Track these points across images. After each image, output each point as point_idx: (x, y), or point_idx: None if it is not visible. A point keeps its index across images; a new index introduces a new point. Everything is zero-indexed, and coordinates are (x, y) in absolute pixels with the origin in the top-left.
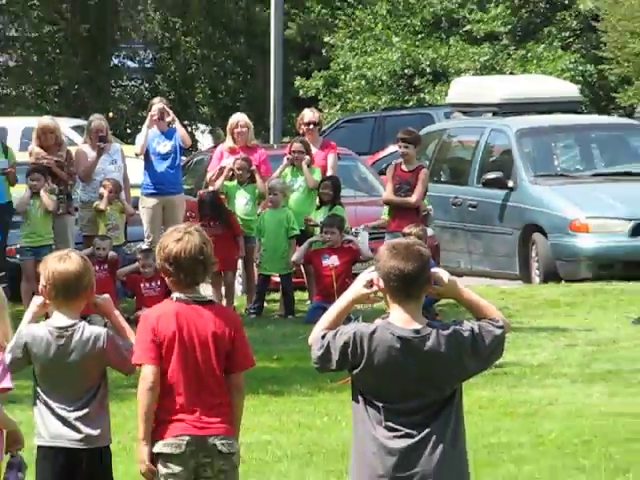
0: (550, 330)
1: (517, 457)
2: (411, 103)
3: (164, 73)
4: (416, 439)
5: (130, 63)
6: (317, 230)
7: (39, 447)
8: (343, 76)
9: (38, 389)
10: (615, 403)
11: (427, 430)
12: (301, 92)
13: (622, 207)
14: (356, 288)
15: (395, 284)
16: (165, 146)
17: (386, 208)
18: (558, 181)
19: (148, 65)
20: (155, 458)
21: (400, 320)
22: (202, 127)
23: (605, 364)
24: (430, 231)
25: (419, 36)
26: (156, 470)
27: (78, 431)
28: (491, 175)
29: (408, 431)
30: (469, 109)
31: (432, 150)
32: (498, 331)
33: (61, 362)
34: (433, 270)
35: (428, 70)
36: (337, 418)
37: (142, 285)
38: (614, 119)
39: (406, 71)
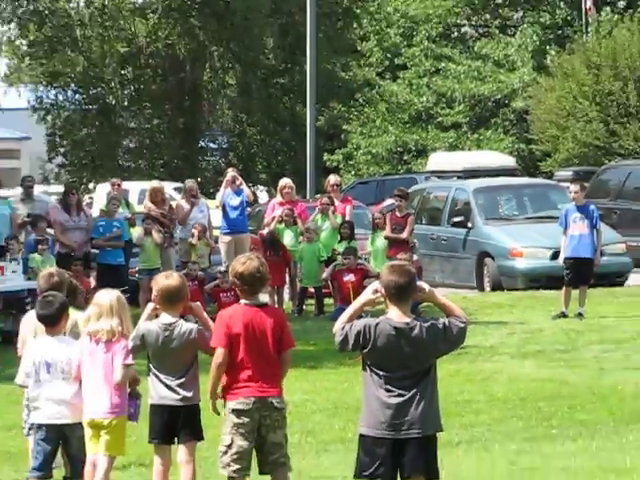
0: (497, 323)
1: (475, 409)
2: (402, 171)
3: (235, 151)
4: (405, 397)
5: (212, 145)
6: (339, 257)
7: (151, 405)
8: (356, 153)
9: (150, 365)
10: (541, 372)
11: (413, 391)
12: (327, 163)
13: (545, 240)
14: (366, 294)
15: (392, 291)
16: (236, 200)
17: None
18: (502, 222)
19: (224, 146)
20: (231, 412)
21: (395, 316)
22: (261, 188)
23: (534, 346)
24: (415, 257)
25: (407, 125)
26: (225, 418)
27: (177, 393)
28: (456, 219)
29: (400, 392)
30: (441, 175)
31: (416, 202)
32: (462, 325)
33: (166, 348)
34: (418, 283)
35: (413, 149)
36: (353, 384)
37: (221, 295)
38: (539, 180)
39: (399, 149)
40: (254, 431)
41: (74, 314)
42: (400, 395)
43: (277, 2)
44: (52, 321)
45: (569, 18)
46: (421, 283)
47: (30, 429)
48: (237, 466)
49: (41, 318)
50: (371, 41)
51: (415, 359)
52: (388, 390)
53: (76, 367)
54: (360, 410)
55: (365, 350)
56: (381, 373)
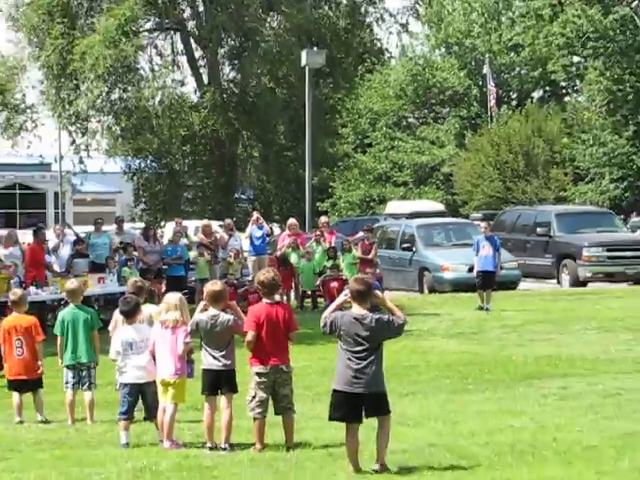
0: (432, 315)
1: (417, 372)
2: (369, 214)
3: (258, 200)
4: (362, 365)
5: (242, 196)
6: (327, 270)
7: (202, 369)
8: (338, 201)
9: (202, 343)
10: (461, 347)
11: (367, 361)
12: (320, 208)
13: (464, 259)
14: (340, 297)
15: (355, 294)
16: (259, 233)
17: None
18: (435, 248)
19: (251, 197)
20: (255, 374)
21: (355, 310)
22: (275, 225)
23: (457, 329)
24: (377, 270)
25: (372, 183)
26: (251, 378)
27: (220, 362)
28: (405, 245)
29: (358, 361)
30: (395, 216)
31: (378, 234)
32: (401, 322)
33: (212, 331)
34: (374, 291)
35: (377, 199)
36: (334, 355)
37: (249, 296)
38: (459, 220)
39: (367, 199)
40: (270, 387)
41: (151, 309)
42: (358, 363)
43: (287, 101)
44: (129, 315)
45: (479, 112)
46: (376, 292)
47: (119, 387)
48: (259, 410)
49: (122, 312)
50: (348, 127)
51: (367, 339)
52: (350, 359)
53: (151, 344)
54: None
55: (336, 333)
56: (346, 347)
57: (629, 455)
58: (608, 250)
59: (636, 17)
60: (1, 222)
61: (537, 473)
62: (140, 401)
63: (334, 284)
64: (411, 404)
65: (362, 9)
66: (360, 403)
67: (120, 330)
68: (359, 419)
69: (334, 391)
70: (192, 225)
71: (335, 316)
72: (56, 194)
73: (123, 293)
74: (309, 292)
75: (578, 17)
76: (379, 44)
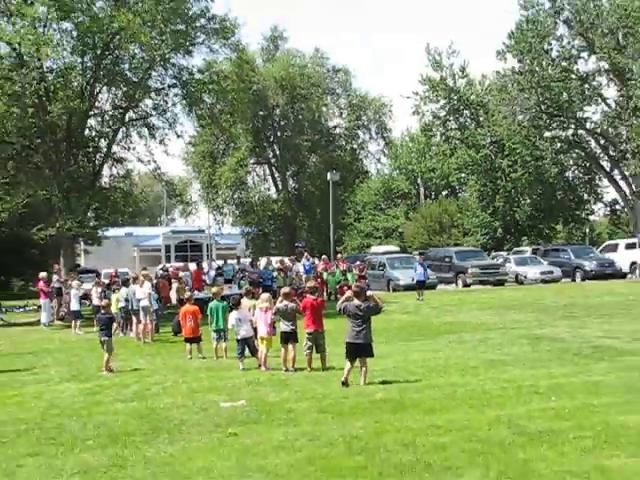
0: (394, 302)
1: (387, 330)
2: (363, 253)
3: (306, 246)
4: (359, 329)
5: (299, 244)
6: (342, 281)
7: (281, 332)
8: (347, 247)
9: (280, 317)
10: (410, 318)
11: (362, 327)
12: (337, 250)
13: (409, 274)
14: (347, 294)
15: (355, 293)
16: (307, 263)
17: (350, 276)
18: (395, 269)
19: (303, 245)
20: (307, 333)
21: (355, 302)
22: (317, 259)
23: (407, 309)
24: (367, 281)
25: (364, 238)
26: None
27: (289, 327)
28: (380, 267)
29: (357, 328)
30: (375, 254)
31: (367, 263)
32: (380, 307)
33: (285, 312)
34: (367, 292)
35: (365, 245)
36: (344, 325)
37: (304, 295)
38: (406, 255)
39: (360, 246)
40: (313, 339)
41: (253, 302)
42: (357, 328)
43: (320, 198)
44: (235, 306)
45: (416, 202)
46: (368, 292)
47: (236, 341)
48: (308, 350)
49: (231, 306)
50: (350, 209)
51: (362, 316)
52: (353, 327)
53: (253, 319)
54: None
55: (345, 313)
56: (351, 320)
57: (492, 370)
58: (480, 269)
59: (492, 155)
60: (178, 261)
61: (447, 379)
62: (247, 349)
63: (345, 288)
64: (383, 346)
65: (357, 152)
66: (357, 348)
67: (233, 313)
68: (356, 358)
69: (346, 342)
70: (274, 259)
71: (345, 305)
72: (207, 245)
73: (240, 294)
74: (332, 293)
75: (463, 154)
76: (365, 168)
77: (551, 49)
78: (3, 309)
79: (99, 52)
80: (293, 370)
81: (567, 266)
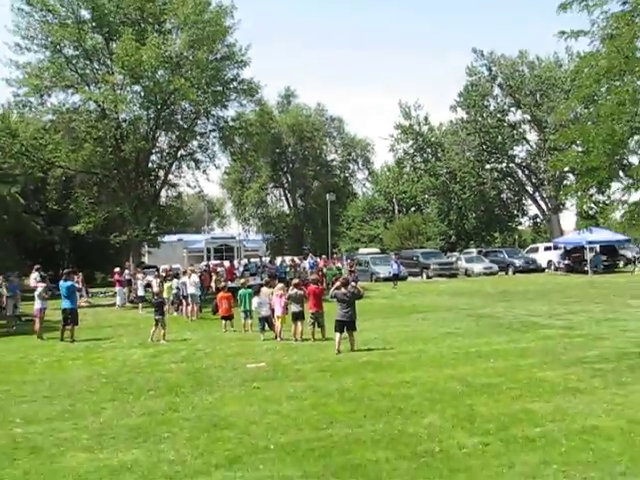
0: (375, 290)
1: (369, 310)
2: (352, 254)
3: (311, 249)
4: (346, 310)
5: (305, 247)
6: (337, 274)
7: (292, 312)
8: (341, 249)
9: (291, 301)
10: (387, 302)
11: (349, 308)
12: (334, 251)
13: (387, 269)
14: (336, 284)
15: (342, 284)
16: (311, 260)
17: (343, 270)
18: (376, 265)
19: (308, 247)
20: (310, 313)
21: (343, 289)
22: (318, 258)
23: (385, 295)
24: (356, 274)
25: (354, 243)
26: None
27: (298, 309)
28: (365, 264)
29: (344, 309)
30: (362, 254)
31: (356, 261)
32: (361, 293)
33: (295, 297)
34: (352, 282)
35: (355, 248)
36: (334, 307)
37: (310, 285)
38: (385, 255)
39: (350, 248)
40: (315, 318)
41: (271, 290)
42: (345, 309)
43: (321, 212)
44: (256, 293)
45: (391, 216)
46: (353, 283)
47: (259, 319)
48: (310, 325)
49: (255, 292)
50: (343, 221)
51: (348, 300)
52: (341, 308)
53: (272, 302)
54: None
55: (336, 299)
56: (340, 304)
57: (447, 340)
58: (439, 265)
59: (448, 182)
60: (216, 259)
61: (414, 347)
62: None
63: (338, 279)
64: (367, 323)
65: (348, 179)
66: (344, 324)
67: (255, 298)
68: (342, 331)
69: (336, 320)
70: (287, 258)
71: (335, 292)
72: (237, 248)
73: (260, 284)
74: (330, 283)
75: (426, 181)
76: (354, 191)
77: (489, 105)
78: (90, 294)
79: (159, 106)
80: (301, 340)
81: (502, 263)
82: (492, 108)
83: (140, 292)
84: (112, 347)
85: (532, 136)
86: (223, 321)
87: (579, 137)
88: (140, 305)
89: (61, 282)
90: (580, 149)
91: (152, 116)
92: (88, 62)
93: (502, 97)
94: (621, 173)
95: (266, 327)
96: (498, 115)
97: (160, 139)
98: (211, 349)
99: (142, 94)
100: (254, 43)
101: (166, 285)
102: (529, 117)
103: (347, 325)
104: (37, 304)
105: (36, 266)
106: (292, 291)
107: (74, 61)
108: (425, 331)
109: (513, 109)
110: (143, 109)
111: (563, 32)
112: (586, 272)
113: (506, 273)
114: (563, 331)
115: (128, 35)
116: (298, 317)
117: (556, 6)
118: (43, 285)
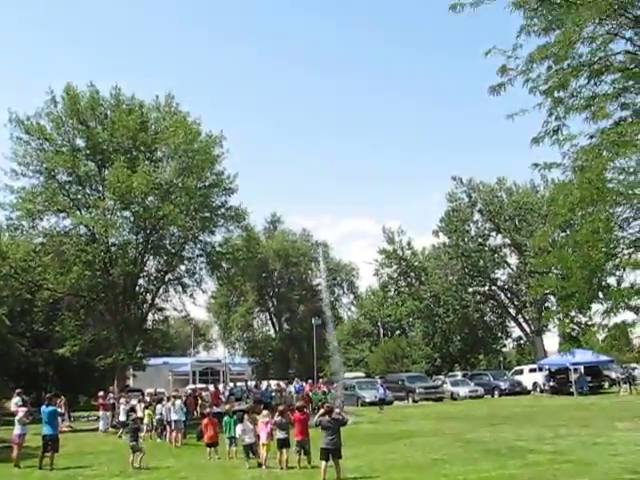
0: (362, 416)
1: (361, 439)
2: (338, 379)
3: (296, 374)
4: (330, 437)
5: (290, 371)
6: (323, 399)
7: (277, 438)
8: (327, 374)
9: (276, 427)
10: (371, 425)
11: (333, 436)
12: (320, 377)
13: (373, 393)
14: (319, 412)
15: (326, 411)
16: (297, 385)
17: (329, 395)
18: (362, 390)
19: (294, 372)
20: (296, 441)
21: (327, 417)
22: (304, 382)
23: (372, 420)
24: (343, 398)
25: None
26: None
27: (283, 435)
28: (351, 388)
29: (329, 437)
30: (348, 379)
31: (343, 384)
32: (346, 420)
33: (281, 424)
34: (336, 409)
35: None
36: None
37: (294, 410)
38: (371, 379)
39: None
40: (301, 446)
41: (254, 416)
42: (329, 437)
43: (306, 336)
44: (240, 420)
45: (376, 340)
46: (337, 410)
47: (243, 446)
48: (297, 454)
49: (238, 419)
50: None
51: (332, 428)
52: (326, 434)
53: (257, 429)
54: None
55: (320, 426)
56: (324, 431)
57: (435, 467)
58: (424, 389)
59: (431, 305)
60: (201, 383)
61: (401, 475)
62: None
63: (324, 405)
64: (354, 449)
65: (334, 303)
66: (329, 452)
67: (239, 425)
68: (328, 459)
69: (321, 448)
70: (273, 382)
71: (320, 419)
72: (223, 372)
73: (243, 412)
74: (316, 408)
75: (410, 304)
76: (340, 314)
77: (470, 229)
78: (72, 418)
79: (148, 232)
80: (287, 468)
81: (487, 386)
82: (473, 233)
83: (122, 417)
84: (93, 476)
85: (513, 259)
86: (208, 448)
87: (558, 263)
88: (121, 430)
89: (43, 407)
90: (559, 272)
91: (141, 241)
92: (80, 187)
93: (482, 222)
94: (600, 294)
95: (250, 455)
96: (479, 239)
97: (148, 263)
98: (195, 478)
99: (132, 219)
100: (240, 168)
101: (147, 411)
102: (509, 241)
103: (332, 453)
104: (17, 429)
105: (17, 390)
106: (278, 418)
107: (67, 186)
108: (412, 457)
109: (493, 233)
110: (132, 234)
111: (536, 164)
112: (571, 393)
113: (492, 396)
114: (551, 456)
115: (120, 163)
116: (283, 445)
117: (529, 139)
118: (24, 410)
